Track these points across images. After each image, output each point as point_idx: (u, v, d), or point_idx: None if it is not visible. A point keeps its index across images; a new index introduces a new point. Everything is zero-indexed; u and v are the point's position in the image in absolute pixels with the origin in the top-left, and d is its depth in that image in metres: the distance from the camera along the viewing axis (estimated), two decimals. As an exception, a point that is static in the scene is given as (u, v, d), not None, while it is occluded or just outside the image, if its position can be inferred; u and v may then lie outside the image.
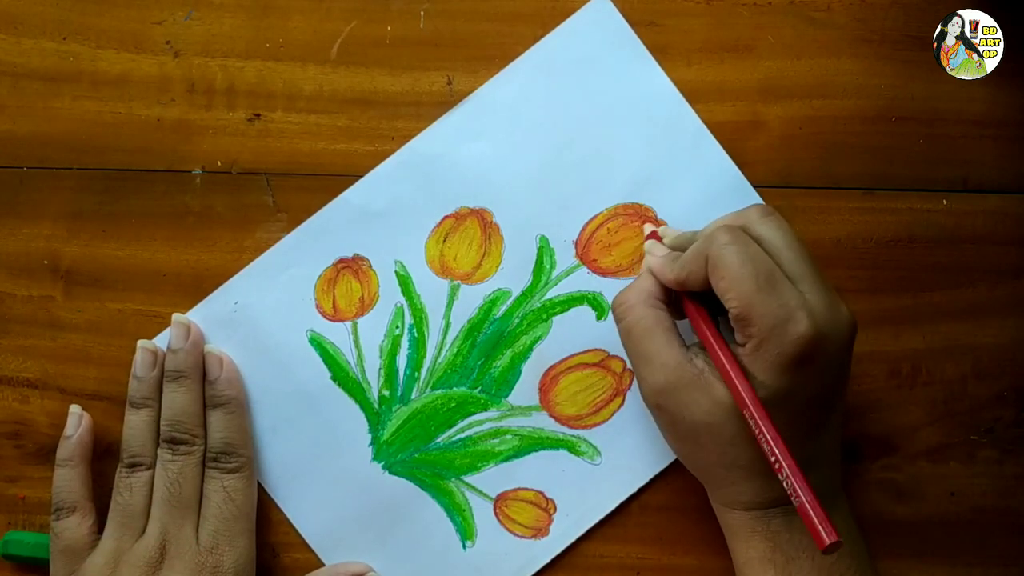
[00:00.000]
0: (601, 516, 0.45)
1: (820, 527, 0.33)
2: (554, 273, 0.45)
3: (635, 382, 0.45)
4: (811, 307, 0.36)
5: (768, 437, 0.35)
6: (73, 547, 0.42)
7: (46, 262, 0.46)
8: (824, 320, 0.36)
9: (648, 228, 0.45)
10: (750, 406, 0.36)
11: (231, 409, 0.44)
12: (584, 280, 0.45)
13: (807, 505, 0.34)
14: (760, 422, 0.35)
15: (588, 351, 0.45)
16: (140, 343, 0.44)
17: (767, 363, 0.36)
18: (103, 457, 0.45)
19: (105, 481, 0.44)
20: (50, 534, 0.43)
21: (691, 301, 0.40)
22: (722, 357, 0.37)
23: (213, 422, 0.43)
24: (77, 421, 0.44)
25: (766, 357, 0.36)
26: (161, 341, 0.45)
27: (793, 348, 0.36)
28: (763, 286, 0.36)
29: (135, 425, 0.43)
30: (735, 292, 0.36)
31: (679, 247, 0.41)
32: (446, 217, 0.45)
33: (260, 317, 0.45)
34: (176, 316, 0.45)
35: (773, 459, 0.35)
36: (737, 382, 0.36)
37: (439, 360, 0.45)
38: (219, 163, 0.46)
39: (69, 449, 0.43)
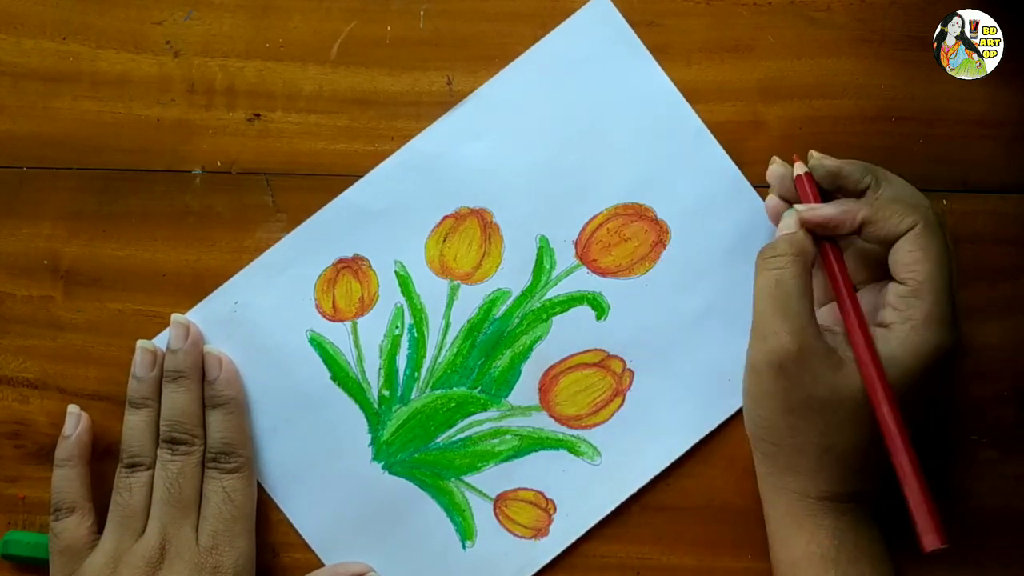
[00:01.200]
0: (601, 516, 0.45)
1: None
2: (554, 273, 0.45)
3: (632, 380, 0.45)
4: (957, 316, 0.38)
5: (895, 429, 0.36)
6: (72, 547, 0.42)
7: (46, 262, 0.46)
8: (958, 334, 0.38)
9: (799, 167, 0.42)
10: (882, 395, 0.36)
11: (230, 409, 0.44)
12: (584, 280, 0.45)
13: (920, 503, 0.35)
14: (890, 411, 0.36)
15: (588, 351, 0.45)
16: (139, 343, 0.44)
17: (911, 349, 0.37)
18: (103, 457, 0.45)
19: (105, 481, 0.44)
20: (49, 534, 0.43)
21: (839, 260, 0.40)
22: (862, 342, 0.37)
23: (212, 422, 0.43)
24: (75, 421, 0.44)
25: (914, 342, 0.37)
26: (161, 341, 0.45)
27: (937, 348, 0.37)
28: (948, 281, 0.37)
29: (134, 425, 0.43)
30: (927, 275, 0.37)
31: (836, 171, 0.41)
32: (446, 217, 0.45)
33: (260, 317, 0.45)
34: (175, 316, 0.45)
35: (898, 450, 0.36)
36: (872, 368, 0.37)
37: (439, 360, 0.45)
38: (219, 163, 0.46)
39: (67, 449, 0.43)
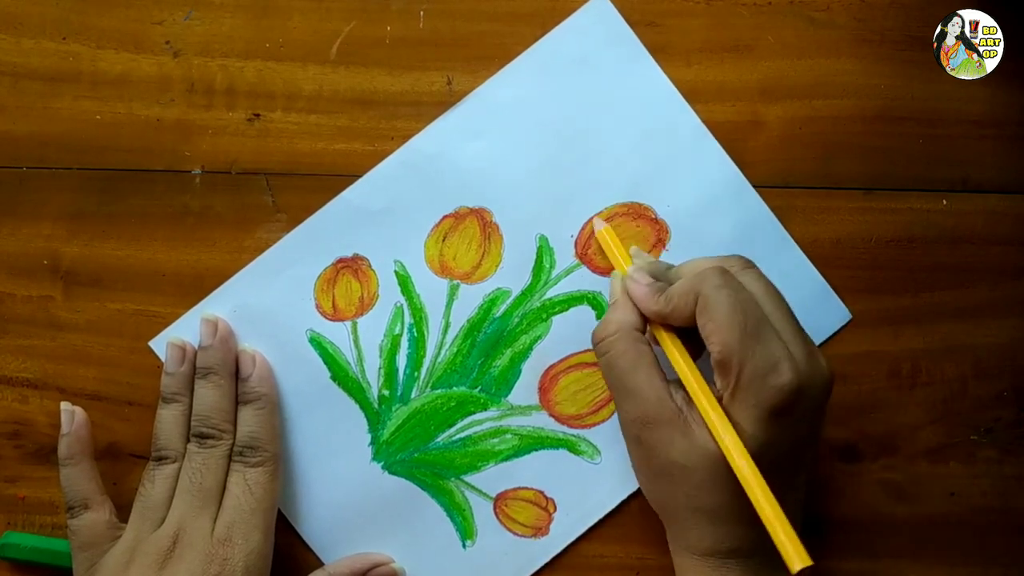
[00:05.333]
0: (601, 516, 0.45)
1: None
2: (554, 272, 0.45)
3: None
4: (794, 359, 0.36)
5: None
6: (91, 541, 0.42)
7: (46, 262, 0.46)
8: (805, 373, 0.36)
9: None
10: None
11: (261, 405, 0.44)
12: (584, 279, 0.45)
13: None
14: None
15: (588, 350, 0.45)
16: (169, 339, 0.44)
17: (745, 411, 0.36)
18: (102, 457, 0.45)
19: (106, 481, 0.44)
20: (68, 532, 0.42)
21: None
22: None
23: (243, 417, 0.43)
24: (70, 418, 0.44)
25: (744, 405, 0.36)
26: (189, 336, 0.45)
27: (773, 399, 0.36)
28: (750, 334, 0.36)
29: (164, 419, 0.43)
30: (720, 338, 0.36)
31: (656, 275, 0.41)
32: (445, 217, 0.45)
33: (260, 317, 0.45)
34: (204, 313, 0.45)
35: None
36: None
37: (439, 360, 0.45)
38: (219, 163, 0.46)
39: (68, 446, 0.43)
